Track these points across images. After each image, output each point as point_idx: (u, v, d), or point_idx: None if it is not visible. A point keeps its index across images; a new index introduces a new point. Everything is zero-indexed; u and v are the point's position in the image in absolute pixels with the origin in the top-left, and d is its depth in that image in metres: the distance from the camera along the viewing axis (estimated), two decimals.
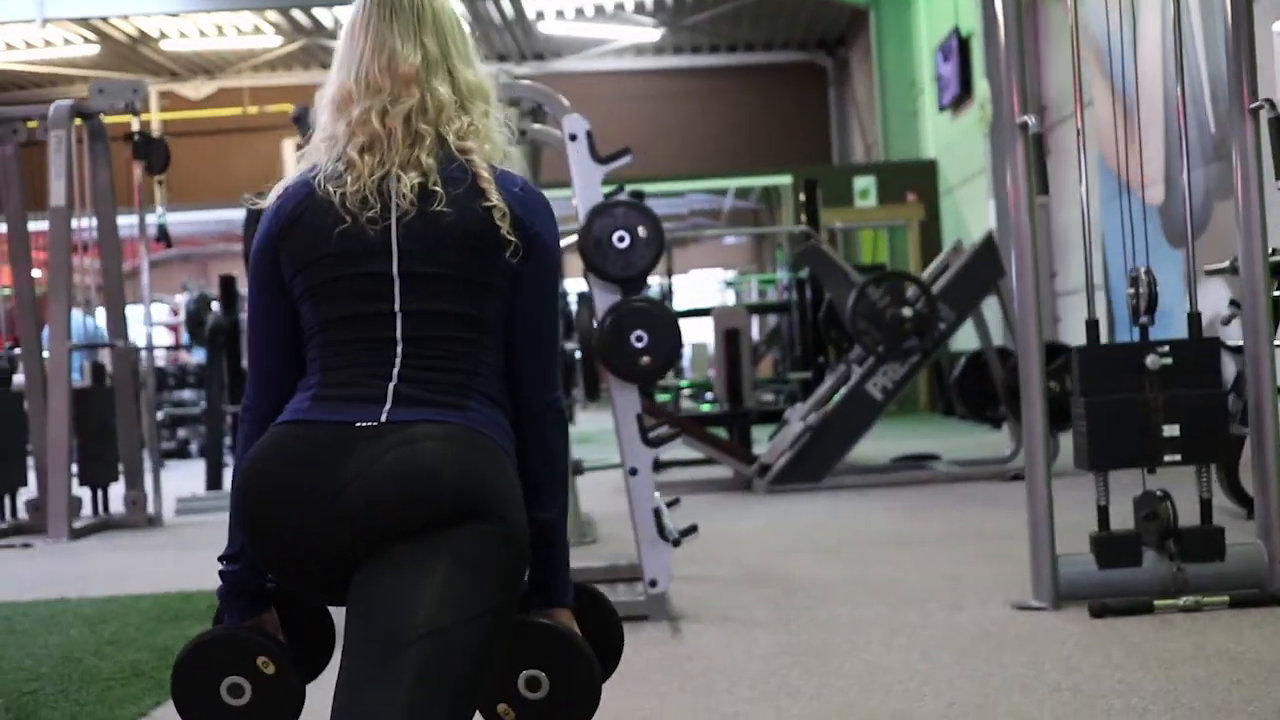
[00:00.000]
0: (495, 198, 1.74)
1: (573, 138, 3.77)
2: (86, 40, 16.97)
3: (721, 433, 8.33)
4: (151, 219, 7.31)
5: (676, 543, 3.68)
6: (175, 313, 17.02)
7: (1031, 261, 3.52)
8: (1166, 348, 3.53)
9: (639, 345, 3.53)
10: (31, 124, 7.05)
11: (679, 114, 19.38)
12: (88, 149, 7.16)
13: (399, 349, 1.72)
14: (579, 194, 3.75)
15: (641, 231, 3.56)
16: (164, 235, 7.30)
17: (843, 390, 6.95)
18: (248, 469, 1.70)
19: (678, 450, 7.97)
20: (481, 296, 1.75)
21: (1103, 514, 3.58)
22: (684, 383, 14.81)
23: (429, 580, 1.59)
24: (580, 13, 17.21)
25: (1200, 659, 2.93)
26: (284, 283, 1.78)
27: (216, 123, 19.13)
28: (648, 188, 15.83)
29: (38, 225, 7.26)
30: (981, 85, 11.08)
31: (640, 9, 17.25)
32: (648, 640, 3.45)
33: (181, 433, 13.17)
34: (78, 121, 6.96)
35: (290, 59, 18.66)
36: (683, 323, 11.69)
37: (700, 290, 20.74)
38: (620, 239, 3.55)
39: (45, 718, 2.93)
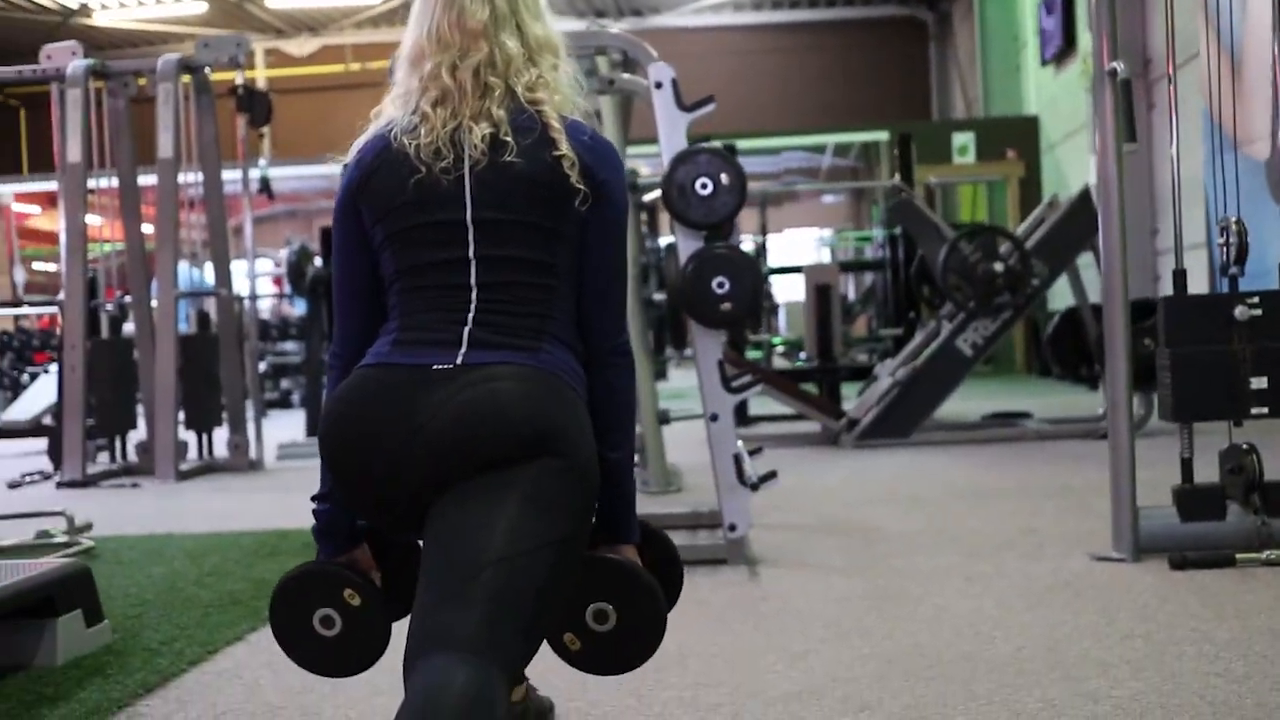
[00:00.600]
0: (565, 147, 1.80)
1: (658, 85, 3.81)
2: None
3: (811, 388, 8.35)
4: (255, 172, 7.48)
5: (755, 488, 3.73)
6: (279, 266, 17.42)
7: (1118, 210, 3.49)
8: (1256, 298, 3.47)
9: (720, 291, 3.57)
10: (141, 80, 7.26)
11: (776, 69, 19.23)
12: (194, 103, 7.35)
13: (473, 294, 1.79)
14: (664, 141, 3.79)
15: (724, 179, 3.59)
16: (266, 187, 7.49)
17: (932, 345, 6.91)
18: (332, 412, 1.78)
19: (766, 405, 8.03)
20: (552, 243, 1.81)
21: (1186, 466, 3.55)
22: (776, 339, 14.81)
23: (502, 512, 1.66)
24: None
25: (1278, 610, 2.91)
26: (365, 235, 1.87)
27: (320, 79, 19.45)
28: (743, 143, 15.80)
29: (146, 179, 7.50)
30: (1085, 38, 10.82)
31: None
32: (725, 582, 3.51)
33: (284, 383, 13.49)
34: (185, 77, 7.16)
35: (392, 15, 18.83)
36: (777, 279, 11.72)
37: (797, 248, 20.65)
38: (703, 186, 3.59)
39: (148, 638, 3.08)
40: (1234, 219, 3.52)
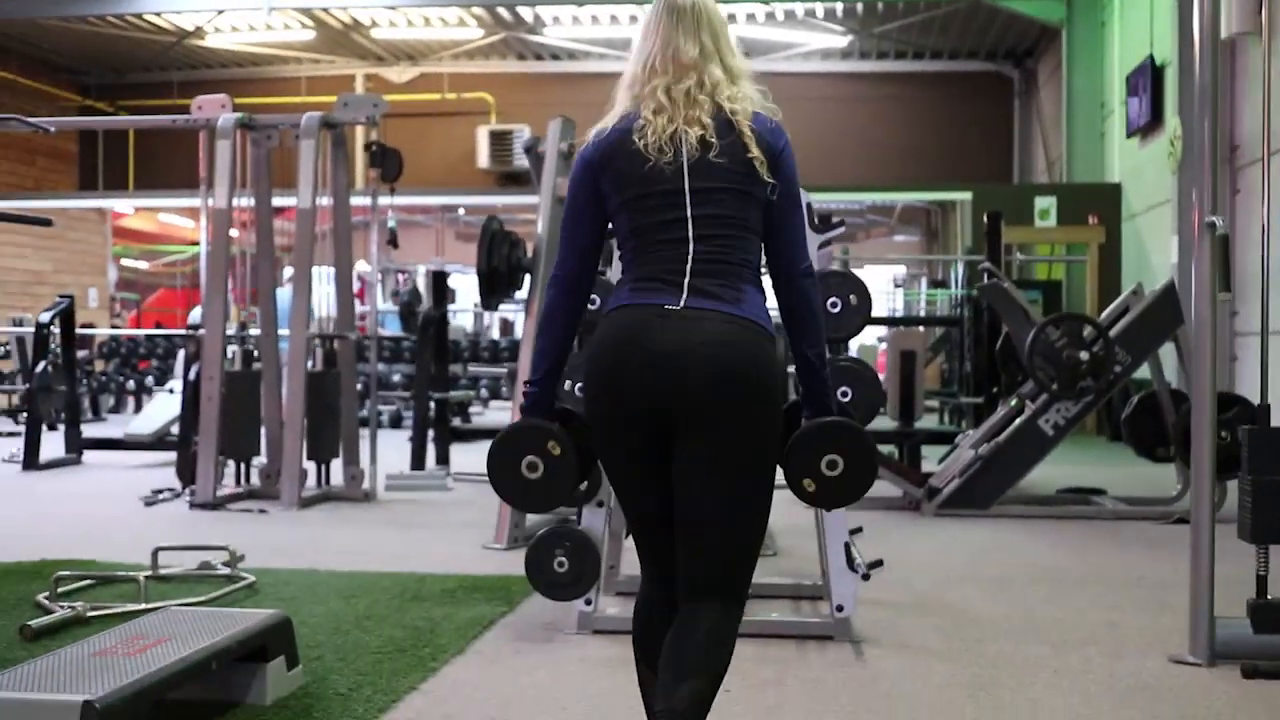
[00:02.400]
0: (755, 149, 2.39)
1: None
2: (304, 26, 18.03)
3: (891, 450, 8.72)
4: (388, 222, 8.02)
5: (866, 577, 4.13)
6: (361, 281, 18.03)
7: (1210, 353, 3.86)
8: None
9: (844, 399, 3.98)
10: (283, 132, 7.81)
11: (863, 117, 19.58)
12: (330, 155, 7.90)
13: (690, 247, 2.39)
14: None
15: (852, 300, 4.01)
16: (393, 239, 8.00)
17: (1016, 423, 7.27)
18: (602, 346, 2.41)
19: None
20: (747, 204, 2.41)
21: (1261, 583, 3.91)
22: None
23: (728, 478, 2.35)
24: (771, 16, 17.58)
25: None
26: (599, 198, 2.47)
27: (417, 106, 20.05)
28: (825, 197, 16.17)
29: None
30: (1173, 120, 11.11)
31: (830, 16, 17.53)
32: (836, 661, 3.91)
33: (380, 406, 14.04)
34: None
35: (489, 49, 19.45)
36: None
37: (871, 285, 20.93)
38: (833, 305, 4.01)
39: (335, 683, 3.54)
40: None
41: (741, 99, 2.44)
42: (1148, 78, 12.21)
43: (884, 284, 20.53)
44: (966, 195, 14.75)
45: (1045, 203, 13.93)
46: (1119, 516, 7.09)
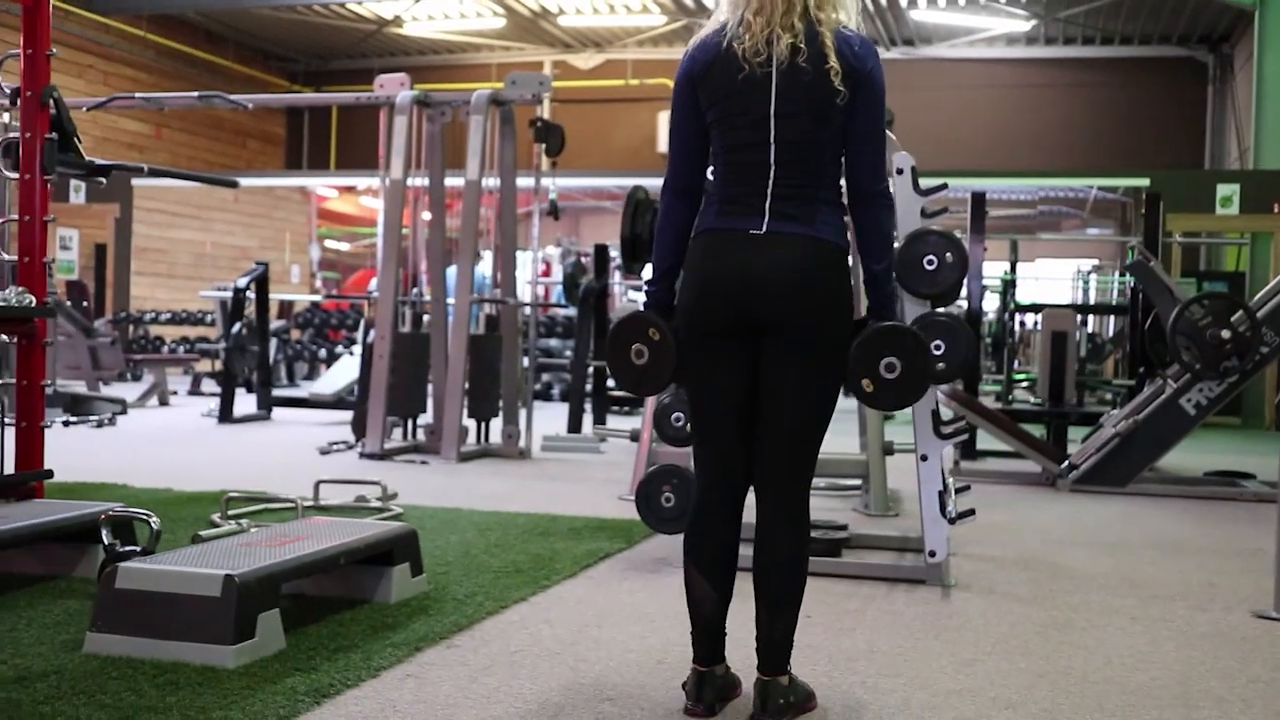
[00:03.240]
0: (833, 60, 2.60)
1: (899, 171, 4.45)
2: (495, 14, 18.77)
3: (1040, 430, 8.75)
4: (548, 195, 8.45)
5: (953, 521, 4.33)
6: (546, 263, 18.64)
7: None
8: None
9: (937, 353, 4.18)
10: (456, 109, 8.32)
11: (1046, 104, 19.28)
12: (499, 130, 8.38)
13: (772, 172, 2.65)
14: (900, 219, 4.43)
15: (948, 257, 4.20)
16: (554, 210, 8.43)
17: (1156, 401, 7.26)
18: (692, 266, 2.73)
19: (995, 440, 8.48)
20: (824, 127, 2.65)
21: None
22: (1021, 375, 15.00)
23: (802, 390, 2.69)
24: (953, 1, 17.47)
25: None
26: (698, 108, 2.72)
27: (601, 92, 20.64)
28: (995, 182, 16.00)
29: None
30: None
31: (1013, 1, 17.33)
32: (921, 599, 4.14)
33: (545, 377, 14.59)
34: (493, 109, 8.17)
35: (672, 35, 19.86)
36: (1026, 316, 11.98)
37: (1054, 282, 20.58)
38: (930, 262, 4.21)
39: (454, 591, 3.94)
40: None
41: (827, 5, 2.65)
42: None
43: (1069, 274, 20.19)
44: (1145, 181, 14.42)
45: (1228, 190, 13.56)
46: (1260, 499, 7.01)
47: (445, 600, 3.81)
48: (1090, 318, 16.48)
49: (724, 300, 2.67)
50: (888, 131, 4.83)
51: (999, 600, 4.16)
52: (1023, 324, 16.21)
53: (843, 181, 2.76)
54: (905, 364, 2.72)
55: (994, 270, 15.35)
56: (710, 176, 2.79)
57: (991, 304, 16.07)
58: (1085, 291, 18.70)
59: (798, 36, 2.62)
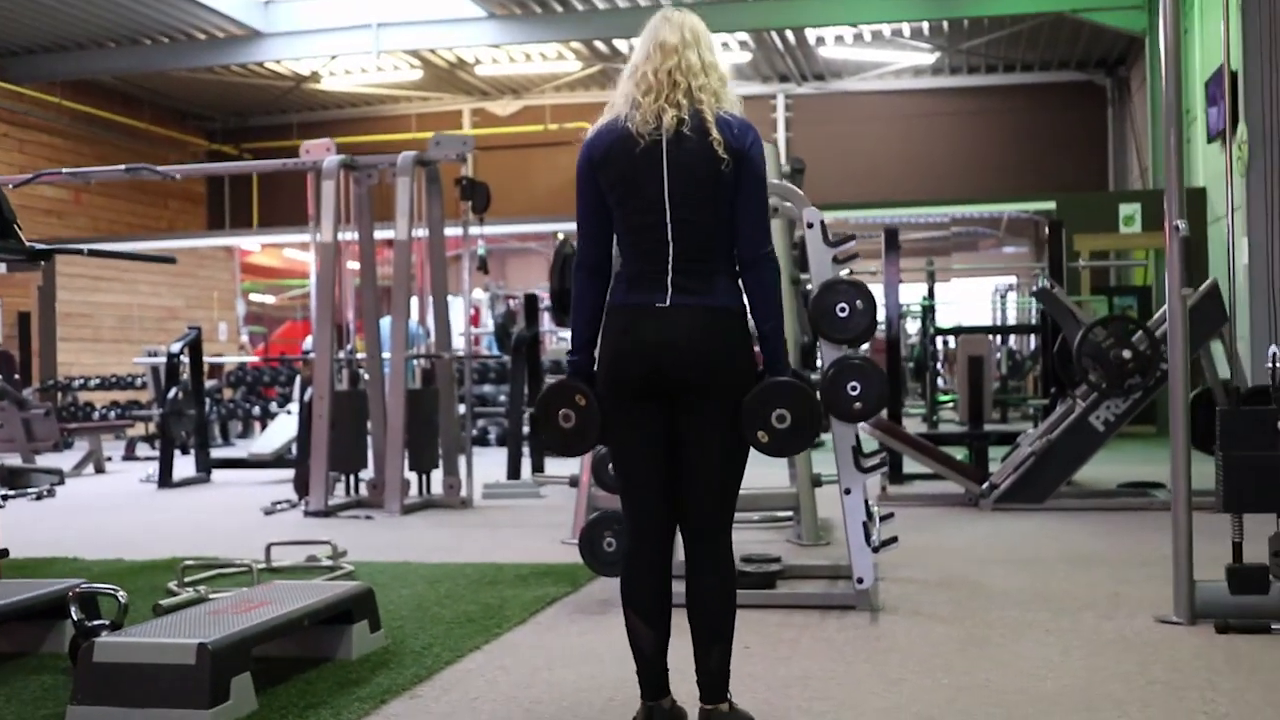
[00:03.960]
0: (715, 133, 2.91)
1: (810, 225, 4.76)
2: (412, 66, 18.98)
3: (962, 451, 9.11)
4: (476, 252, 8.70)
5: (876, 550, 4.62)
6: (475, 309, 18.84)
7: (1181, 344, 4.29)
8: None
9: (853, 394, 4.48)
10: (382, 171, 8.55)
11: (955, 131, 19.88)
12: (424, 189, 8.62)
13: (670, 249, 2.93)
14: (814, 270, 4.74)
15: (859, 304, 4.51)
16: (483, 266, 8.68)
17: (1067, 420, 7.64)
18: (606, 338, 3.00)
19: (918, 465, 8.83)
20: (713, 202, 2.96)
21: (1236, 549, 4.32)
22: (944, 397, 15.46)
23: (716, 440, 2.96)
24: (859, 38, 18.02)
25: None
26: (600, 193, 2.99)
27: (521, 138, 20.91)
28: (910, 212, 16.50)
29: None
30: (1241, 126, 11.30)
31: (918, 34, 17.91)
32: (850, 625, 4.42)
33: (481, 422, 14.77)
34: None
35: (589, 80, 20.21)
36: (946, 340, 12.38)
37: (974, 299, 21.16)
38: (841, 310, 4.52)
39: (411, 644, 4.15)
40: (1275, 350, 4.28)
41: (707, 90, 2.96)
42: (1224, 83, 12.37)
43: (987, 294, 20.78)
44: (1050, 204, 14.97)
45: (1130, 209, 14.13)
46: (1168, 507, 7.37)
47: (404, 653, 4.02)
48: (1011, 336, 17.03)
49: (637, 368, 2.93)
50: (790, 189, 5.16)
51: (923, 621, 4.45)
52: (945, 344, 16.70)
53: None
54: (795, 414, 2.97)
55: (914, 295, 15.88)
56: (616, 253, 3.07)
57: (914, 327, 16.57)
58: (1003, 310, 19.29)
59: (682, 110, 2.94)
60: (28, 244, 5.44)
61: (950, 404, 15.34)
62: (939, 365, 16.26)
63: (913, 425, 13.49)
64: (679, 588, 3.03)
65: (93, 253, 5.81)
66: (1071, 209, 14.25)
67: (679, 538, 3.08)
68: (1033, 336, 15.75)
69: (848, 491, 4.69)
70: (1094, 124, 19.21)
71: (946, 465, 7.97)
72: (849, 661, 3.89)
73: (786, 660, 3.90)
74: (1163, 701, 3.38)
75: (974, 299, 21.21)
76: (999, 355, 16.17)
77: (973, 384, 9.18)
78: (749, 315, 3.02)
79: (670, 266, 2.93)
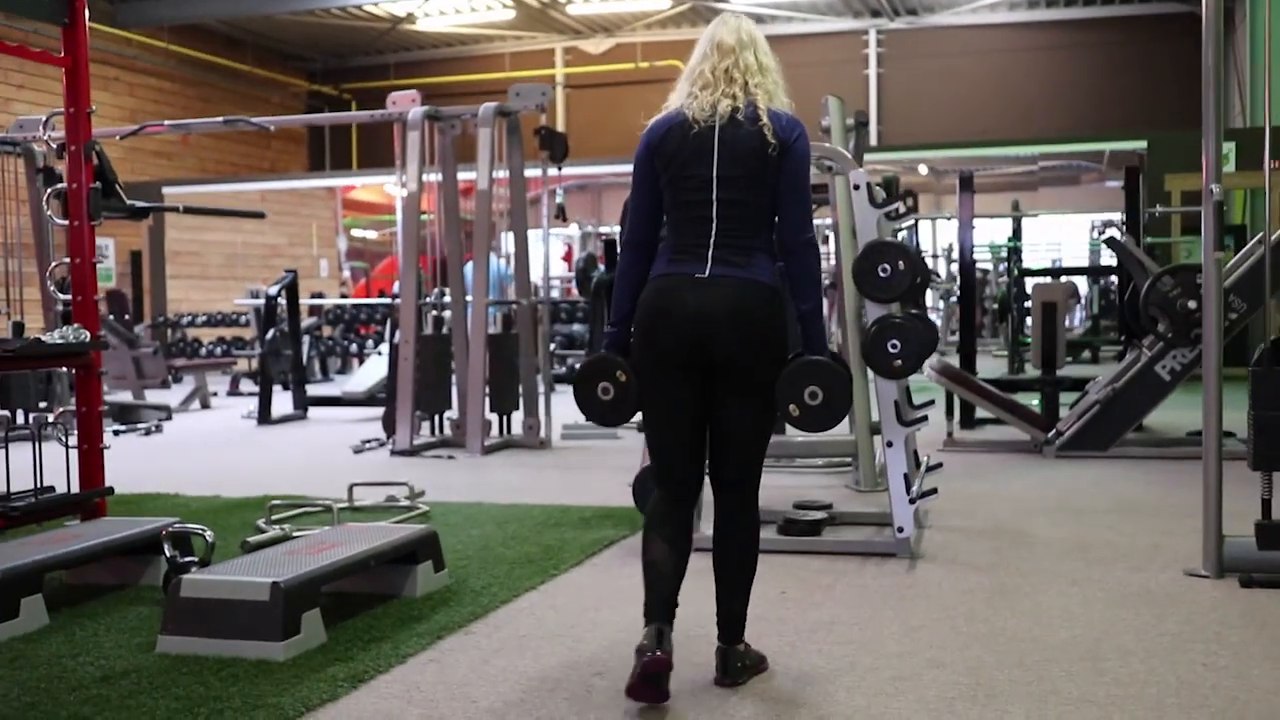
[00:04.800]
0: (765, 119, 3.16)
1: (856, 187, 4.92)
2: (505, 6, 19.21)
3: (1034, 399, 9.20)
4: (556, 199, 8.96)
5: (913, 501, 4.82)
6: (568, 247, 19.17)
7: (1215, 304, 4.40)
8: None
9: (893, 351, 4.66)
10: (465, 121, 8.83)
11: (1049, 65, 19.56)
12: (505, 139, 8.88)
13: (714, 225, 3.15)
14: (859, 230, 4.91)
15: (900, 265, 4.68)
16: (561, 213, 8.94)
17: (1134, 369, 7.70)
18: (645, 305, 3.19)
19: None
20: (758, 186, 3.20)
21: (1265, 506, 4.45)
22: (1027, 339, 15.38)
23: (749, 410, 3.20)
24: None
25: None
26: (655, 176, 3.22)
27: (612, 75, 21.06)
28: (995, 151, 16.29)
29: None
30: None
31: None
32: (889, 572, 4.64)
33: (570, 361, 15.11)
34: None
35: (679, 18, 20.25)
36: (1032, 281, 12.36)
37: (1071, 236, 20.87)
38: (883, 270, 4.69)
39: (473, 583, 4.48)
40: None
41: (764, 87, 3.21)
42: None
43: (1083, 232, 20.48)
44: (1141, 144, 14.75)
45: (1224, 148, 13.84)
46: (1234, 457, 7.42)
47: (464, 592, 4.35)
48: (1065, 299, 16.88)
49: (674, 335, 3.15)
50: (837, 152, 5.31)
51: (958, 570, 4.66)
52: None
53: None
54: (826, 392, 3.18)
55: (998, 236, 15.78)
56: (664, 232, 3.29)
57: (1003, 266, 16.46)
58: (1098, 250, 19.04)
59: (736, 100, 3.19)
60: (128, 202, 5.84)
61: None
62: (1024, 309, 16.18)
63: (997, 368, 13.53)
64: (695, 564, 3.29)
65: (187, 210, 6.20)
66: (1163, 147, 14.04)
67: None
68: (1114, 278, 15.65)
69: (889, 444, 4.89)
70: (1195, 57, 18.71)
71: (1012, 412, 8.09)
72: (877, 608, 4.12)
73: (819, 606, 4.14)
74: (1167, 652, 3.56)
75: (1076, 236, 20.95)
76: (1086, 295, 16.03)
77: (1046, 331, 9.21)
78: (787, 294, 3.24)
79: (713, 241, 3.14)
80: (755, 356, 3.16)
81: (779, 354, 3.20)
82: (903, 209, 4.98)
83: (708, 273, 3.13)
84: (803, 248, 3.20)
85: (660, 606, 3.19)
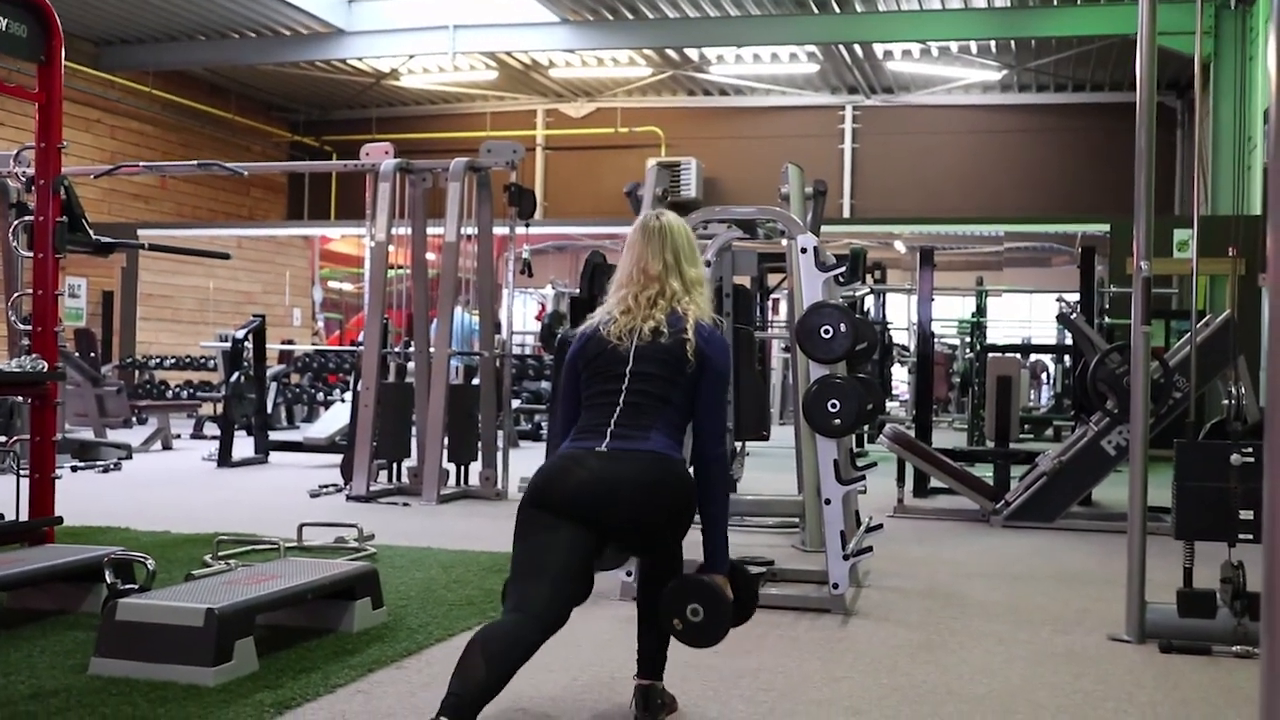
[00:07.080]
0: (690, 335, 3.27)
1: (804, 251, 5.07)
2: (488, 67, 19.47)
3: (987, 470, 9.33)
4: (521, 255, 9.10)
5: (847, 557, 4.92)
6: (542, 305, 19.31)
7: (1142, 379, 4.54)
8: (1249, 448, 4.45)
9: (832, 410, 4.79)
10: (436, 174, 8.98)
11: (1020, 147, 19.94)
12: (475, 194, 9.03)
13: (618, 410, 3.27)
14: (805, 292, 5.05)
15: (842, 327, 4.82)
16: (527, 268, 9.07)
17: (1080, 443, 7.85)
18: (541, 471, 3.23)
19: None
20: (671, 386, 3.27)
21: (1187, 574, 4.56)
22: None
23: (651, 545, 3.27)
24: (927, 53, 18.18)
25: (1201, 688, 3.93)
26: (578, 377, 3.37)
27: (592, 139, 21.34)
28: (964, 229, 16.57)
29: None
30: None
31: (985, 52, 18.03)
32: (820, 626, 4.73)
33: (536, 418, 15.19)
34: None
35: (659, 85, 20.58)
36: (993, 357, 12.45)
37: (1030, 314, 21.17)
38: (825, 331, 4.83)
39: (410, 621, 4.54)
40: (1235, 388, 4.51)
41: (692, 305, 3.33)
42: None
43: (1052, 312, 20.76)
44: (1105, 227, 15.04)
45: (1184, 235, 14.17)
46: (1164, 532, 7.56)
47: (401, 629, 4.41)
48: (1019, 372, 17.15)
49: (566, 495, 3.10)
50: (785, 216, 5.47)
51: (888, 626, 4.75)
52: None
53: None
54: (707, 611, 3.23)
55: (967, 312, 16.02)
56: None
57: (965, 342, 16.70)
58: (1065, 330, 19.32)
59: (660, 323, 3.29)
60: (94, 237, 5.94)
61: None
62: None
63: (957, 440, 13.68)
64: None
65: (153, 247, 6.30)
66: (1126, 230, 14.30)
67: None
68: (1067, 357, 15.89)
69: (828, 501, 4.99)
70: (1162, 146, 19.11)
71: (962, 481, 8.21)
72: (803, 658, 4.20)
73: (748, 654, 4.22)
74: (1077, 708, 3.65)
75: (1045, 315, 21.25)
76: (1048, 373, 16.24)
77: (1000, 404, 9.39)
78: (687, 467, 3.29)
79: (614, 420, 3.21)
80: (654, 518, 3.18)
81: (680, 512, 3.23)
82: (847, 274, 5.12)
83: (605, 446, 3.18)
84: (714, 462, 3.28)
85: (454, 708, 3.00)
